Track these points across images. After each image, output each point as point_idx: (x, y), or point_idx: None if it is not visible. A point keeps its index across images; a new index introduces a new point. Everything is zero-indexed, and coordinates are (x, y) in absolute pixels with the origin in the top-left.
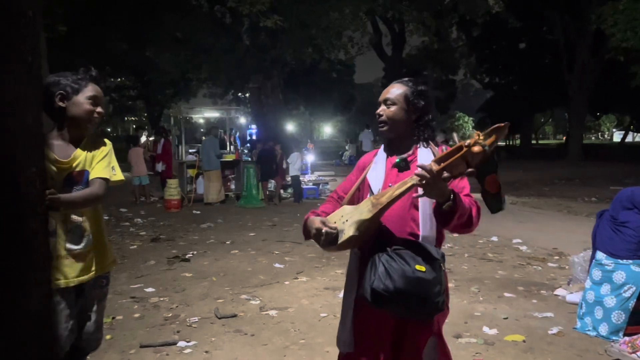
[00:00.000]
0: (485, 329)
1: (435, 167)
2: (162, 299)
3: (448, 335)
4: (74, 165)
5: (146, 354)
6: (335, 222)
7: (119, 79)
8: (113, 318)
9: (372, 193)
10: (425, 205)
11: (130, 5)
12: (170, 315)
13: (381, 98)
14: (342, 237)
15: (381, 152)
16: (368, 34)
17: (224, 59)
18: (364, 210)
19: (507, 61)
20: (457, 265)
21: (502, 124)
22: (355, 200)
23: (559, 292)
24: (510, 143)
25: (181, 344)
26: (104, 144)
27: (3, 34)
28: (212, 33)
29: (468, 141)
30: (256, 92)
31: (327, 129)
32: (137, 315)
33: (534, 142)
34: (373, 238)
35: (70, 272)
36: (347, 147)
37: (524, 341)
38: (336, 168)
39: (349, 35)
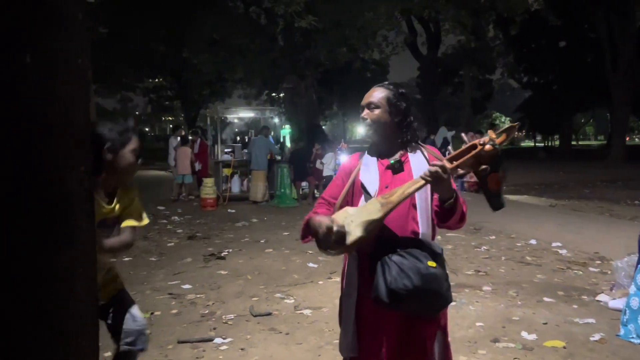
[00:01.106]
0: (524, 333)
1: (449, 165)
2: (198, 295)
3: (485, 340)
4: (112, 211)
5: (183, 350)
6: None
7: (157, 80)
8: (152, 313)
9: (368, 195)
10: (423, 204)
11: (169, 8)
12: (207, 312)
13: (364, 102)
14: (350, 238)
15: (367, 155)
16: (403, 33)
17: (258, 60)
18: (372, 210)
19: (547, 60)
20: (493, 269)
21: (515, 124)
22: (345, 204)
23: (601, 297)
24: (549, 144)
25: (217, 340)
26: (132, 189)
27: (55, 37)
28: (248, 34)
29: (482, 140)
30: (290, 92)
31: (361, 129)
32: (174, 311)
33: (574, 143)
34: (375, 238)
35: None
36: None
37: (564, 347)
38: None
39: (383, 35)
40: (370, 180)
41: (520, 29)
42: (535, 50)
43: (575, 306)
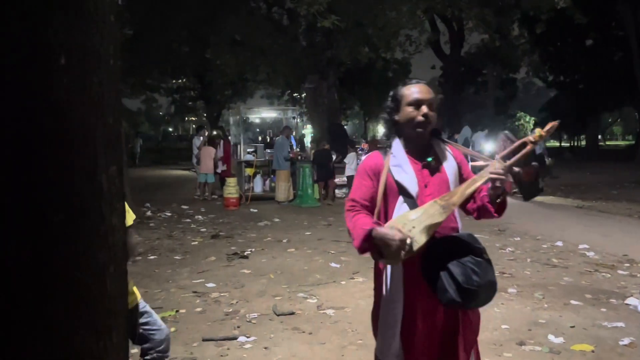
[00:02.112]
0: (551, 337)
1: (506, 164)
2: (222, 294)
3: (511, 342)
4: None
5: (208, 347)
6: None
7: (181, 81)
8: (177, 311)
9: (407, 196)
10: None
11: (192, 10)
12: (231, 310)
13: (422, 97)
14: (417, 246)
15: (398, 155)
16: (426, 32)
17: (280, 60)
18: (434, 214)
19: (573, 58)
20: (519, 270)
21: (555, 122)
22: (382, 206)
23: (631, 301)
24: (575, 144)
25: (241, 339)
26: (132, 217)
27: (89, 39)
28: (270, 34)
29: (530, 138)
30: (312, 92)
31: (382, 129)
32: (199, 309)
33: (601, 143)
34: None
35: None
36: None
37: (592, 351)
38: None
39: (406, 34)
40: (408, 181)
41: (546, 27)
42: (561, 48)
43: (603, 309)
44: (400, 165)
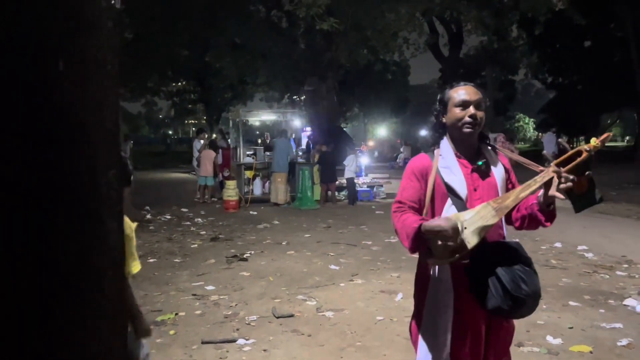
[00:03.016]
0: (549, 338)
1: (562, 170)
2: (221, 297)
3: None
4: None
5: (207, 350)
6: None
7: (181, 84)
8: (176, 314)
9: (457, 199)
10: None
11: (192, 14)
12: (230, 313)
13: (469, 98)
14: (469, 245)
15: (447, 156)
16: (425, 34)
17: (280, 63)
18: (487, 216)
19: (572, 60)
20: None
21: (609, 134)
22: (429, 207)
23: (629, 302)
24: (575, 145)
25: (240, 341)
26: (132, 225)
27: (87, 45)
28: (269, 37)
29: (587, 147)
30: (311, 95)
31: (382, 131)
32: (198, 312)
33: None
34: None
35: None
36: (401, 150)
37: (590, 352)
38: (390, 171)
39: (404, 37)
40: (457, 183)
41: (545, 28)
42: (559, 50)
43: (602, 310)
44: (449, 167)
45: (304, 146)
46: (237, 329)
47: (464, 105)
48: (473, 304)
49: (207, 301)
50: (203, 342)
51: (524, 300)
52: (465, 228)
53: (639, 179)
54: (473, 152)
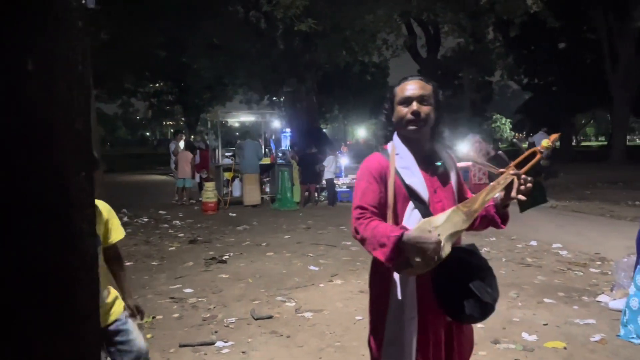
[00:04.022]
0: (525, 334)
1: (521, 172)
2: (200, 299)
3: (486, 341)
4: None
5: (185, 353)
6: None
7: (158, 85)
8: (153, 318)
9: (418, 202)
10: None
11: (169, 14)
12: (208, 315)
13: (412, 94)
14: (444, 254)
15: (405, 156)
16: (403, 36)
17: (258, 64)
18: (458, 222)
19: (546, 62)
20: (494, 270)
21: (559, 133)
22: (388, 211)
23: (602, 298)
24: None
25: (219, 344)
26: (105, 208)
27: (56, 45)
28: (247, 38)
29: (540, 148)
30: (290, 96)
31: (361, 132)
32: (176, 315)
33: (574, 144)
34: None
35: None
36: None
37: (564, 348)
38: None
39: (383, 38)
40: (419, 185)
41: (520, 31)
42: (534, 51)
43: (575, 307)
44: (408, 167)
45: (284, 147)
46: (216, 332)
47: (407, 101)
48: (435, 313)
49: (185, 304)
50: (181, 346)
51: (493, 306)
52: (439, 235)
53: (612, 178)
54: (425, 151)
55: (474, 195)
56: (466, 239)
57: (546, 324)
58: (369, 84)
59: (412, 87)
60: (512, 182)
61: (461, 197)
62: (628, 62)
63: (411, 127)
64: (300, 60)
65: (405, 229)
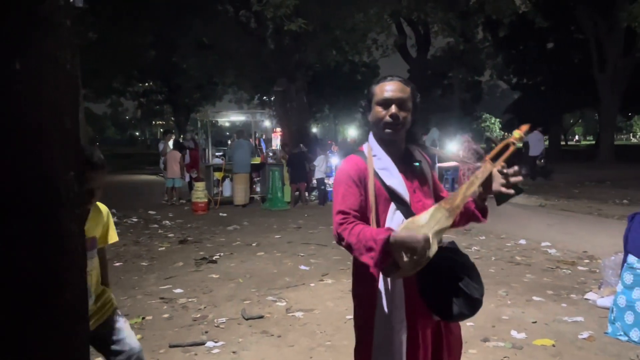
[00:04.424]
0: (514, 332)
1: (497, 165)
2: (190, 299)
3: (476, 339)
4: (87, 232)
5: (175, 354)
6: None
7: (147, 84)
8: (143, 318)
9: (400, 203)
10: None
11: (158, 13)
12: (199, 315)
13: (392, 96)
14: (431, 253)
15: (382, 157)
16: (393, 35)
17: (248, 63)
18: (441, 219)
19: (535, 61)
20: (484, 269)
21: (528, 124)
22: (370, 214)
23: (590, 296)
24: None
25: (209, 344)
26: (104, 211)
27: (44, 44)
28: (237, 38)
29: (512, 139)
30: (281, 95)
31: (352, 131)
32: (166, 315)
33: (563, 143)
34: None
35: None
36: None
37: (553, 345)
38: None
39: (373, 38)
40: (399, 186)
41: (509, 31)
42: (523, 51)
43: (564, 305)
44: (387, 168)
45: (274, 147)
46: (206, 332)
47: (386, 104)
48: (423, 315)
49: (175, 304)
50: (171, 346)
51: (481, 301)
52: (424, 234)
53: (600, 177)
54: (401, 152)
55: (451, 192)
56: (456, 238)
57: (535, 322)
58: (359, 83)
59: (391, 89)
60: (490, 176)
61: (437, 197)
62: (615, 62)
63: (388, 130)
64: (290, 60)
65: (392, 230)
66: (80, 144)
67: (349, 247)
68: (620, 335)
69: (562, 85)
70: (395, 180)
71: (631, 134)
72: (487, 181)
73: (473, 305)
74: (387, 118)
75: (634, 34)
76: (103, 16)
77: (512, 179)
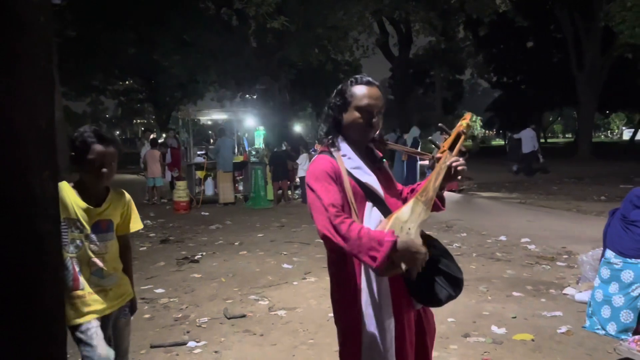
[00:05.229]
0: (494, 328)
1: (454, 153)
2: (171, 299)
3: (457, 335)
4: (104, 213)
5: (157, 354)
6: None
7: (128, 82)
8: None
9: (377, 199)
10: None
11: (139, 10)
12: (180, 315)
13: (374, 104)
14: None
15: (353, 156)
16: (375, 34)
17: (231, 61)
18: (419, 212)
19: (515, 60)
20: (465, 265)
21: (468, 113)
22: (351, 212)
23: (568, 291)
24: None
25: (191, 344)
26: (126, 197)
27: (17, 41)
28: (219, 36)
29: (462, 129)
30: (263, 94)
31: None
32: (147, 316)
33: (542, 140)
34: None
35: (97, 306)
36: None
37: (532, 340)
38: None
39: (355, 37)
40: (374, 183)
41: (489, 30)
42: (503, 50)
43: (543, 300)
44: (359, 167)
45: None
46: (188, 332)
47: (366, 111)
48: (407, 305)
49: (156, 304)
50: (152, 347)
51: (462, 280)
52: (410, 229)
53: (579, 173)
54: (366, 150)
55: (422, 184)
56: (438, 235)
57: (515, 317)
58: (341, 82)
59: (373, 97)
60: (451, 165)
61: (399, 192)
62: (593, 61)
63: (363, 136)
64: (273, 58)
65: (396, 235)
66: (55, 143)
67: (343, 241)
68: (598, 329)
69: (541, 83)
70: (370, 177)
71: (609, 131)
72: (449, 170)
73: (458, 285)
74: (367, 127)
75: (612, 33)
76: (82, 13)
77: (459, 169)
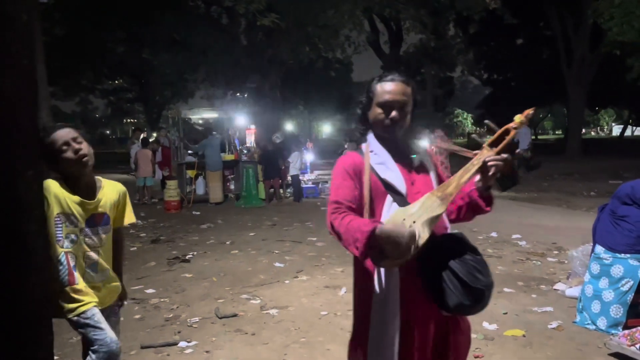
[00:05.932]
0: (485, 324)
1: (494, 151)
2: (162, 299)
3: None
4: (98, 207)
5: (147, 355)
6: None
7: (117, 81)
8: None
9: (395, 194)
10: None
11: (127, 8)
12: (171, 315)
13: (393, 99)
14: (421, 240)
15: (380, 152)
16: (365, 32)
17: (221, 60)
18: (432, 206)
19: (505, 57)
20: None
21: (533, 108)
22: (368, 208)
23: (559, 286)
24: None
25: (182, 344)
26: (121, 188)
27: None
28: (209, 34)
29: (513, 124)
30: (254, 92)
31: (326, 128)
32: (137, 316)
33: (533, 137)
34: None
35: (95, 297)
36: (345, 146)
37: (523, 336)
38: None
39: (346, 35)
40: (395, 179)
41: (479, 27)
42: (494, 47)
43: (534, 295)
44: (383, 163)
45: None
46: (179, 332)
47: (387, 106)
48: (422, 306)
49: (146, 305)
50: (142, 347)
51: (483, 292)
52: (414, 222)
53: (569, 170)
54: (400, 146)
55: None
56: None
57: (506, 313)
58: (332, 80)
59: (393, 91)
60: (487, 163)
61: None
62: (582, 58)
63: (387, 134)
64: (263, 56)
65: (379, 222)
66: (39, 142)
67: (338, 236)
68: (588, 324)
69: (531, 80)
70: (392, 173)
71: (599, 128)
72: (486, 169)
73: (474, 296)
74: (387, 121)
75: (600, 30)
76: (70, 11)
77: (493, 166)
